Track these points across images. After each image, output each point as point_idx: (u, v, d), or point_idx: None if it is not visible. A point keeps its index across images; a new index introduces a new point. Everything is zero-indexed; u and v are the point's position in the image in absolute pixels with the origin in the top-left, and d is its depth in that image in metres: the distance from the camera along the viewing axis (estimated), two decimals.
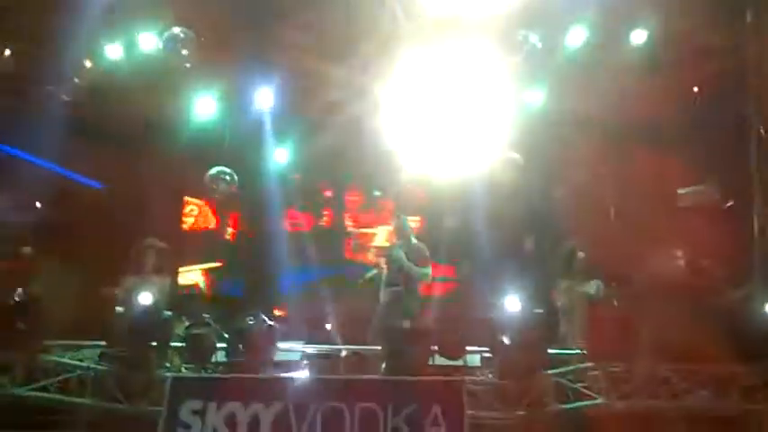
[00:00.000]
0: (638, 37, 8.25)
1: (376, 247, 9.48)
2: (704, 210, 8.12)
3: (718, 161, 8.16)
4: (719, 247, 7.36)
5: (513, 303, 6.22)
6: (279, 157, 9.16)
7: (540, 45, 8.16)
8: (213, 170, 8.44)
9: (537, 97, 8.88)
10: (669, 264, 7.28)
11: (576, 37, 8.38)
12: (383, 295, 7.00)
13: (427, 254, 7.08)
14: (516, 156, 8.48)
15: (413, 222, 7.90)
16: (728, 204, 8.19)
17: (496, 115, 8.55)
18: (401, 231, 7.24)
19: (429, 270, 7.03)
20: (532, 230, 8.73)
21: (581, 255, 6.96)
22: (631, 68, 8.26)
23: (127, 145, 8.96)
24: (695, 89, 8.64)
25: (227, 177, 8.42)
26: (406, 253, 6.96)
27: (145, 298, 5.90)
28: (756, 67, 7.72)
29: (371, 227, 9.93)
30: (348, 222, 9.98)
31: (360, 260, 9.51)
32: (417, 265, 6.91)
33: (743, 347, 5.84)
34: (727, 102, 8.14)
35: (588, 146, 8.50)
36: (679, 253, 7.50)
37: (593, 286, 6.69)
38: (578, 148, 8.59)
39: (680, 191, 7.80)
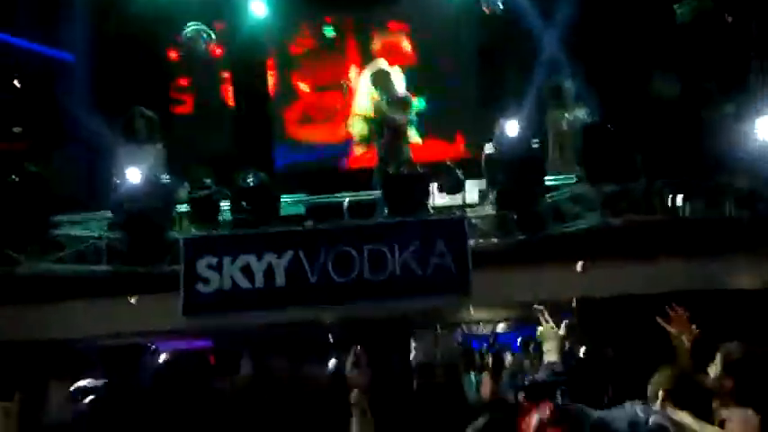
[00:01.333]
0: None
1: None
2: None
3: None
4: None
5: (511, 128, 6.26)
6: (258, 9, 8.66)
7: None
8: (190, 27, 8.05)
9: None
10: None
11: None
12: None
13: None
14: None
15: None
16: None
17: None
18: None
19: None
20: None
21: (568, 84, 6.89)
22: None
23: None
24: None
25: (205, 35, 8.05)
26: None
27: (133, 175, 5.91)
28: None
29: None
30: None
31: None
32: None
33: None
34: None
35: None
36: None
37: (582, 111, 6.68)
38: None
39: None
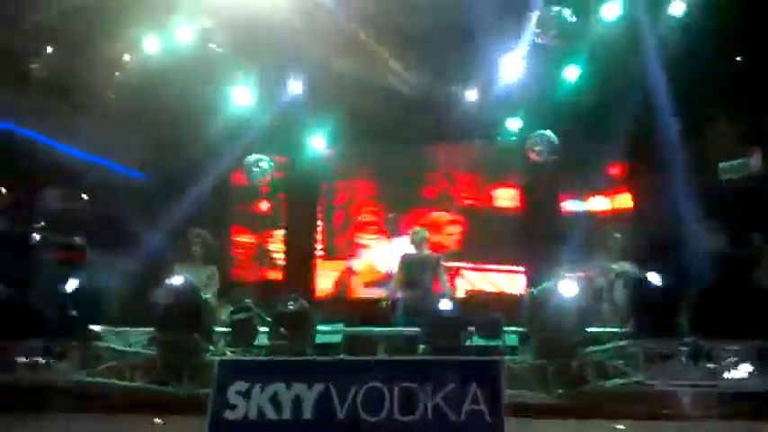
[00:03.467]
0: (677, 8, 8.05)
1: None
2: (747, 182, 7.93)
3: (761, 131, 7.95)
4: (764, 218, 7.21)
5: (553, 283, 6.24)
6: (316, 144, 9.24)
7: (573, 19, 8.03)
8: (251, 157, 8.61)
9: (572, 73, 8.77)
10: (711, 238, 7.17)
11: (611, 11, 8.23)
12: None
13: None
14: (551, 135, 8.41)
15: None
16: None
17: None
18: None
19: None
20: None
21: (617, 235, 6.91)
22: (669, 40, 8.09)
23: (166, 135, 9.24)
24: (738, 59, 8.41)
25: (265, 164, 8.58)
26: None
27: (177, 280, 6.09)
28: None
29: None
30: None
31: None
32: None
33: None
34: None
35: (624, 120, 8.38)
36: (721, 226, 7.37)
37: (628, 265, 6.64)
38: (615, 123, 8.48)
39: (721, 164, 7.60)
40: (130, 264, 7.62)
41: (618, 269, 6.76)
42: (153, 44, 8.60)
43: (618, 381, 5.74)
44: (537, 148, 8.24)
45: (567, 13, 8.00)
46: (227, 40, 8.64)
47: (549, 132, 8.30)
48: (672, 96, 8.23)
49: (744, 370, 5.70)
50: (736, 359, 5.74)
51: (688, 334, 5.88)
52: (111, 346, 6.01)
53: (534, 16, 8.32)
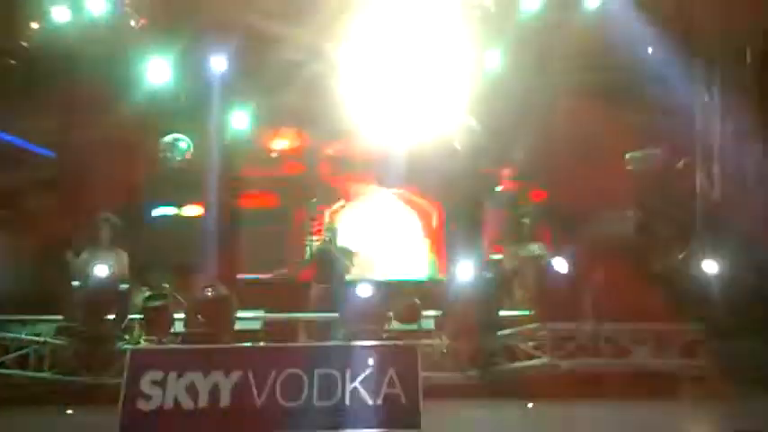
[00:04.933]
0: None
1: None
2: (654, 172, 8.36)
3: (668, 123, 8.37)
4: (667, 208, 7.66)
5: (465, 269, 6.43)
6: (237, 121, 9.02)
7: (492, 8, 8.16)
8: (167, 137, 8.32)
9: (494, 60, 8.91)
10: (616, 224, 7.57)
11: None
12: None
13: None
14: (472, 121, 8.56)
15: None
16: (681, 163, 8.40)
17: (453, 79, 8.60)
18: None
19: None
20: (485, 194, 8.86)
21: (525, 220, 7.19)
22: (585, 31, 8.34)
23: (77, 111, 8.78)
24: (649, 50, 8.78)
25: (182, 144, 8.32)
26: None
27: (101, 270, 5.91)
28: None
29: None
30: None
31: None
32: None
33: (683, 306, 6.18)
34: (678, 62, 8.30)
35: (543, 108, 8.63)
36: (627, 213, 7.80)
37: (536, 248, 6.93)
38: (533, 110, 8.72)
39: (628, 155, 7.99)
40: (33, 247, 7.25)
41: (527, 253, 7.04)
42: (63, 13, 8.11)
43: (527, 362, 6.01)
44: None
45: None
46: (145, 10, 8.25)
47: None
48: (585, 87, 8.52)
49: (644, 351, 6.10)
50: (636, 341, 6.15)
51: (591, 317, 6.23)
52: (17, 335, 5.74)
53: None
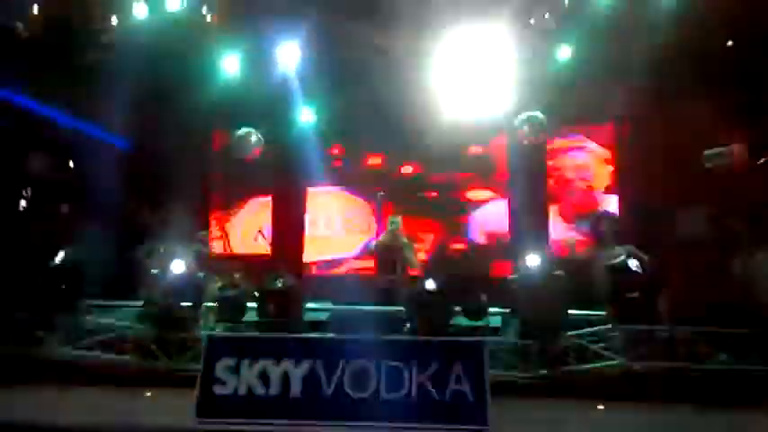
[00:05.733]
0: None
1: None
2: (731, 169, 8.02)
3: (747, 119, 8.02)
4: (747, 206, 7.34)
5: (533, 261, 6.34)
6: (306, 116, 9.14)
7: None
8: (240, 130, 8.52)
9: (565, 53, 8.74)
10: (693, 223, 7.32)
11: None
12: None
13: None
14: (540, 114, 8.42)
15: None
16: (762, 161, 8.03)
17: (523, 73, 8.49)
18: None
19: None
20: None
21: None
22: (661, 23, 8.07)
23: (154, 104, 9.08)
24: (729, 43, 8.42)
25: (254, 138, 8.50)
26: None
27: (178, 266, 6.11)
28: None
29: None
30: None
31: None
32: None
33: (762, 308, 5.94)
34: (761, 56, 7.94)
35: (616, 104, 8.41)
36: (704, 212, 7.52)
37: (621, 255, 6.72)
38: (606, 105, 8.51)
39: (706, 152, 7.69)
40: (116, 236, 7.57)
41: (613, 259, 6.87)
42: (142, 9, 8.40)
43: (598, 363, 5.89)
44: (525, 129, 8.27)
45: None
46: (221, 7, 8.46)
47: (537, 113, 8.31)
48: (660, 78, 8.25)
49: (720, 357, 5.89)
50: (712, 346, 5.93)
51: (667, 320, 6.06)
52: (100, 320, 6.02)
53: None
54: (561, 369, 5.99)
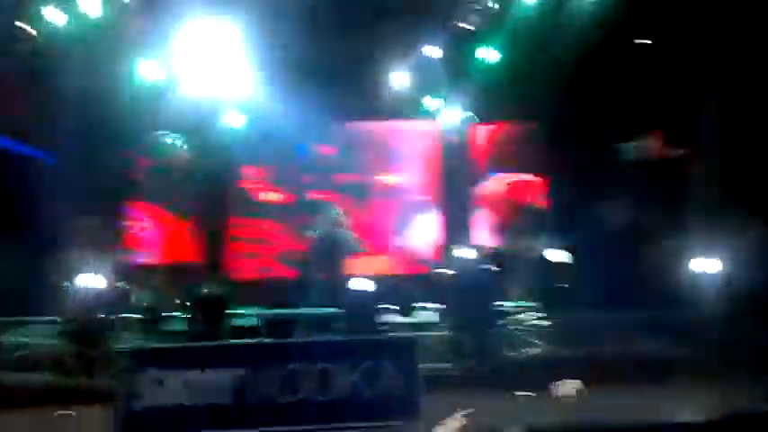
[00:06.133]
0: None
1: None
2: (647, 162, 8.33)
3: (662, 114, 8.35)
4: (660, 199, 7.63)
5: (464, 253, 6.41)
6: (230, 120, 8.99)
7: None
8: (159, 135, 8.30)
9: (493, 55, 8.94)
10: (610, 216, 7.56)
11: None
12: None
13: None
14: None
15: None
16: (680, 153, 8.36)
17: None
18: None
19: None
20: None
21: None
22: (582, 24, 8.34)
23: (71, 113, 8.74)
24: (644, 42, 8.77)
25: (176, 142, 8.29)
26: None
27: (93, 279, 5.86)
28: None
29: None
30: None
31: None
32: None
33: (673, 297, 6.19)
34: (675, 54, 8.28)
35: (538, 100, 8.63)
36: (620, 204, 7.78)
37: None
38: (529, 102, 8.72)
39: (622, 145, 7.98)
40: (29, 250, 7.21)
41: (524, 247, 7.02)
42: (56, 15, 8.09)
43: (529, 350, 5.99)
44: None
45: None
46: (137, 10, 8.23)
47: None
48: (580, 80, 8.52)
49: (641, 339, 6.08)
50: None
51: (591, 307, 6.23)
52: (12, 338, 5.70)
53: None
54: (493, 359, 6.05)
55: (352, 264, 7.62)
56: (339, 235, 7.70)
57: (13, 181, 7.98)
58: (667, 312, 6.08)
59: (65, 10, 8.06)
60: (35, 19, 8.14)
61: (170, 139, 8.27)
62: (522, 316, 6.23)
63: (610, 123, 8.19)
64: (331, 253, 7.60)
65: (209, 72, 8.47)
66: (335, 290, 6.92)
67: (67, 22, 8.08)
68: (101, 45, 8.24)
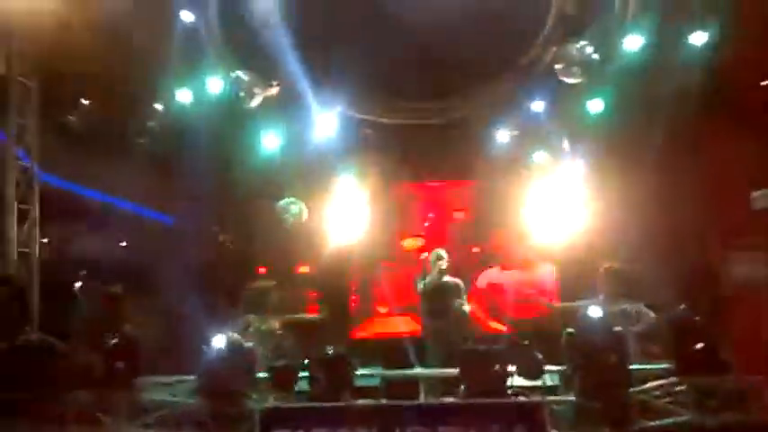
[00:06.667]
0: (698, 38, 8.11)
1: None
2: None
3: None
4: None
5: (594, 311, 6.20)
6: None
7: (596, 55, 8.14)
8: (283, 201, 8.75)
9: (597, 106, 8.86)
10: (752, 269, 7.11)
11: (634, 42, 8.35)
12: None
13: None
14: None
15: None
16: None
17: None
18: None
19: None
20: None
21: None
22: (692, 70, 8.13)
23: (196, 181, 9.41)
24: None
25: (297, 207, 8.70)
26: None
27: (219, 341, 6.14)
28: None
29: None
30: None
31: None
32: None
33: None
34: None
35: (653, 151, 8.39)
36: (758, 255, 7.31)
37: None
38: (642, 154, 8.50)
39: (753, 193, 7.55)
40: (166, 312, 7.71)
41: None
42: (185, 95, 8.85)
43: (667, 420, 5.64)
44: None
45: (588, 48, 8.11)
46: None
47: None
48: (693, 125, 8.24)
49: None
50: None
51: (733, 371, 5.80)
52: (155, 397, 6.04)
53: (553, 52, 8.49)
54: (626, 428, 5.73)
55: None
56: (447, 284, 7.61)
57: (152, 246, 8.68)
58: None
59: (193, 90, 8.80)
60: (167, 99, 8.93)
61: (294, 204, 8.67)
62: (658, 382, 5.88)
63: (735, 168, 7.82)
64: (441, 306, 7.54)
65: None
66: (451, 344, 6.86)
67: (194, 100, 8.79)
68: (225, 119, 8.92)
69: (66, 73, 8.32)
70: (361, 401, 6.15)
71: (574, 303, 7.16)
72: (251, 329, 7.11)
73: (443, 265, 7.60)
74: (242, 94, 8.59)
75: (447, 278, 7.61)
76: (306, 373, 6.41)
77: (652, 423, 5.67)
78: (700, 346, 5.81)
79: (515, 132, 9.32)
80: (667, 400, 5.78)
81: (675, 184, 8.29)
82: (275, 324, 7.08)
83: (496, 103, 9.50)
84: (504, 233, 8.60)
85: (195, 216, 9.33)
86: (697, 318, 5.98)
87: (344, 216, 8.94)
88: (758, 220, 7.85)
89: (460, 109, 9.60)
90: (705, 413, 5.57)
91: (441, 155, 9.71)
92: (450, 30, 8.66)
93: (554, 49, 8.74)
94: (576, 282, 7.53)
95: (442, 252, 7.73)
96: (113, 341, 6.06)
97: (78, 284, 7.70)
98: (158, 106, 9.13)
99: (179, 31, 8.46)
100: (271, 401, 6.22)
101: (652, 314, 6.81)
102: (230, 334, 6.29)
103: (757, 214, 7.94)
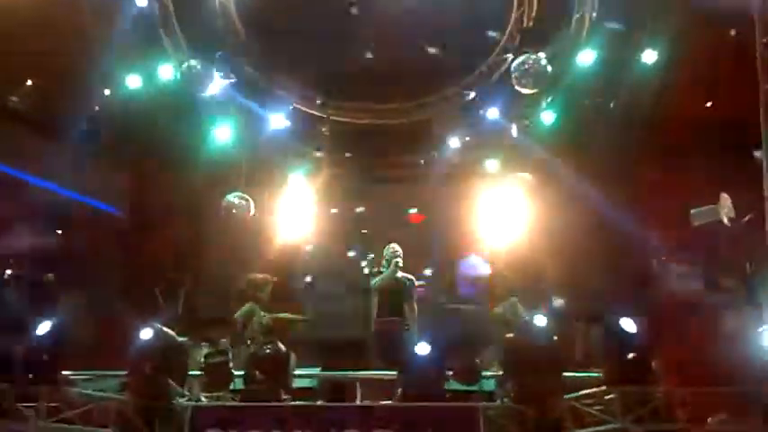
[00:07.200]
0: (649, 57, 8.31)
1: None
2: (719, 227, 8.06)
3: (730, 179, 8.12)
4: (737, 264, 7.34)
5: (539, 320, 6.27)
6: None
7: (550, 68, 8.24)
8: (230, 195, 8.57)
9: (549, 117, 9.00)
10: (687, 282, 7.28)
11: (587, 57, 8.51)
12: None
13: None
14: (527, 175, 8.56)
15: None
16: (747, 218, 8.07)
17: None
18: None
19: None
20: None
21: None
22: (642, 88, 8.32)
23: (144, 171, 9.18)
24: (708, 104, 8.66)
25: (244, 202, 8.55)
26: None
27: (146, 334, 5.97)
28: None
29: None
30: None
31: None
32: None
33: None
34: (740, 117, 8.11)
35: (599, 165, 8.56)
36: (694, 270, 7.50)
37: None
38: (589, 166, 8.65)
39: (692, 211, 7.74)
40: (100, 304, 7.45)
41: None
42: (135, 80, 8.60)
43: (597, 428, 5.72)
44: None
45: (543, 60, 8.21)
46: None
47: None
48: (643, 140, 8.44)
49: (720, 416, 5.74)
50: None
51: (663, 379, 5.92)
52: (82, 391, 5.82)
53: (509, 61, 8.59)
54: None
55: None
56: (402, 281, 7.49)
57: (91, 235, 8.38)
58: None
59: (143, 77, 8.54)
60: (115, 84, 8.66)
61: (242, 199, 8.50)
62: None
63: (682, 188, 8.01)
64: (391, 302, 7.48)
65: None
66: (396, 348, 6.80)
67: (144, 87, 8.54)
68: (176, 108, 8.69)
69: (8, 52, 7.97)
70: (297, 402, 6.05)
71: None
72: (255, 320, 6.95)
73: (399, 261, 7.52)
74: (194, 82, 8.36)
75: (401, 274, 7.51)
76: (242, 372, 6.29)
77: (583, 431, 5.73)
78: (631, 356, 5.90)
79: (467, 138, 9.37)
80: (598, 408, 5.86)
81: (619, 197, 8.44)
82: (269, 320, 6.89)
83: (451, 108, 9.56)
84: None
85: (139, 206, 9.07)
86: (631, 329, 6.07)
87: (294, 213, 8.83)
88: (697, 235, 8.06)
89: (415, 112, 9.63)
90: (633, 422, 5.66)
91: (395, 156, 9.72)
92: (408, 35, 8.70)
93: (510, 58, 8.84)
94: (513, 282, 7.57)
95: (397, 247, 7.64)
96: (39, 333, 5.80)
97: (8, 272, 7.36)
98: (106, 92, 8.83)
99: (132, 16, 8.22)
100: (203, 399, 6.07)
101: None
102: (160, 327, 6.11)
103: (697, 230, 8.16)
